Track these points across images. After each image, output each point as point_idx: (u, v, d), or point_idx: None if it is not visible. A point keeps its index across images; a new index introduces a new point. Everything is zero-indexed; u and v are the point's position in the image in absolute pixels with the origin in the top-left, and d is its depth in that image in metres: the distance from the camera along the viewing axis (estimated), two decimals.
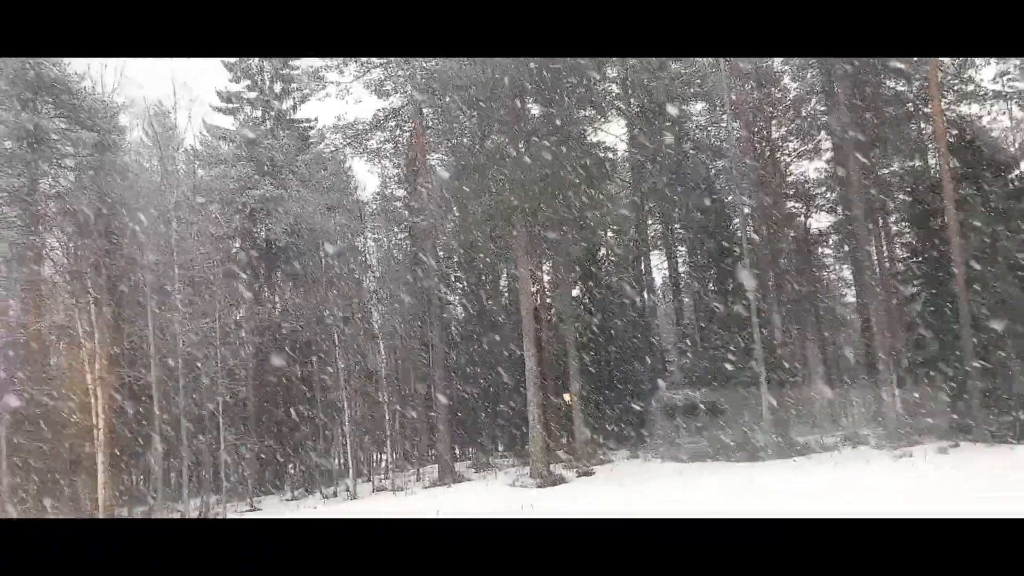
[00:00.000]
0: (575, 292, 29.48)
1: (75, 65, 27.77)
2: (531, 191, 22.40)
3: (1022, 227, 20.54)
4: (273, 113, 36.66)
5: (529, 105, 24.94)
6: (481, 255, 29.00)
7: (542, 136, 23.31)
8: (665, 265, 35.59)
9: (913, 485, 14.87)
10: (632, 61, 26.81)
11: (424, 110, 28.32)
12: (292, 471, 30.81)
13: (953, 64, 26.26)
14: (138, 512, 25.27)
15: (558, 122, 23.52)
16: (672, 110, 29.54)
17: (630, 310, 29.78)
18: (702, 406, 23.51)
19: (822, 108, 29.72)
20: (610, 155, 30.87)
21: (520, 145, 23.18)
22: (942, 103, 23.77)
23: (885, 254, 31.29)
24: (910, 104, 27.22)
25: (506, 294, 34.54)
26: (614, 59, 25.61)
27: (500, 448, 32.88)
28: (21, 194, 25.93)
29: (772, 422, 22.22)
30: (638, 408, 26.92)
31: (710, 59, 27.36)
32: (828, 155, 30.94)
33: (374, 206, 35.85)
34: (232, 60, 35.60)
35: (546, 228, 23.97)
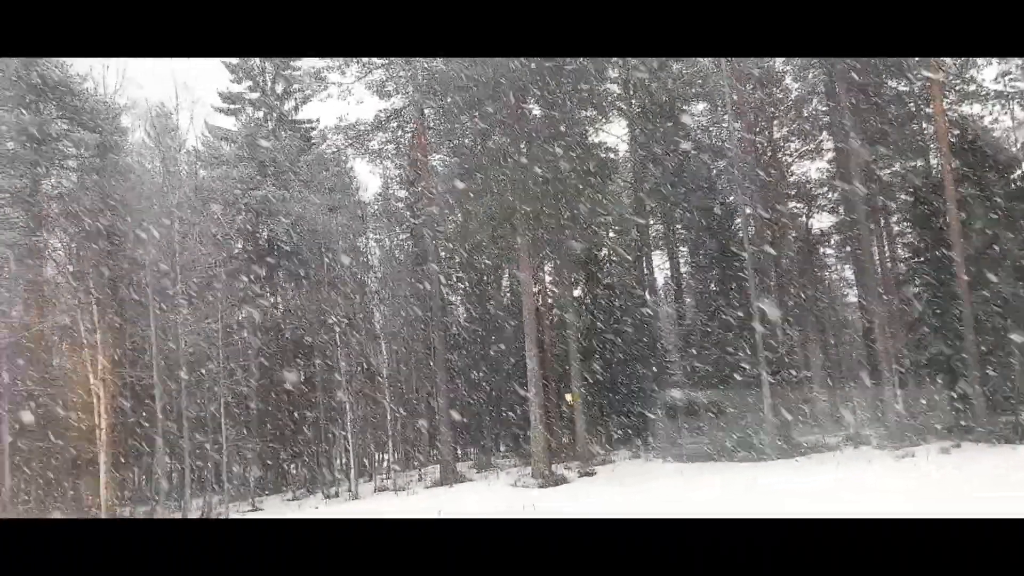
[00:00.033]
0: (577, 293, 29.48)
1: (77, 66, 27.90)
2: (532, 192, 22.41)
3: None
4: (275, 114, 36.71)
5: (530, 106, 24.95)
6: (483, 256, 29.04)
7: (543, 137, 23.33)
8: (667, 265, 35.62)
9: (915, 485, 14.86)
10: (633, 61, 26.81)
11: (426, 111, 28.34)
12: (294, 471, 30.82)
13: (955, 64, 26.23)
14: (140, 512, 25.29)
15: (560, 125, 23.54)
16: (674, 110, 29.55)
17: (632, 311, 29.76)
18: (704, 406, 23.49)
19: (824, 108, 29.70)
20: (611, 156, 30.89)
21: (522, 146, 23.20)
22: (944, 103, 23.75)
23: (887, 254, 31.26)
24: (912, 104, 27.19)
25: (508, 295, 34.54)
26: (615, 59, 25.60)
27: (502, 448, 32.87)
28: (23, 195, 25.99)
29: (774, 422, 22.20)
30: (640, 408, 26.91)
31: (711, 59, 27.36)
32: (830, 155, 30.93)
33: (376, 207, 35.90)
34: (234, 61, 35.66)
35: (548, 229, 23.99)
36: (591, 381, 27.25)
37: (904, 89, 27.03)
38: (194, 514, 23.92)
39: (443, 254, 30.88)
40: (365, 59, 26.89)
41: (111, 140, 27.64)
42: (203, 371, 24.74)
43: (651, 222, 33.73)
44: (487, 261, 31.07)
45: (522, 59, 21.44)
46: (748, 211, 25.57)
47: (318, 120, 37.01)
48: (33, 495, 23.58)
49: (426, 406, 32.78)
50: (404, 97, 28.59)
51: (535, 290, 27.64)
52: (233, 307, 26.45)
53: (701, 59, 28.37)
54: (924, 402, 22.16)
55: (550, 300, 31.27)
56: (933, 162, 27.11)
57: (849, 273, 34.48)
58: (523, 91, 23.57)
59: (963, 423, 20.30)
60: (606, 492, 18.87)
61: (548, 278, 31.83)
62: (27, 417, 22.09)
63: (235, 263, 28.02)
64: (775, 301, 23.23)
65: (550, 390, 27.51)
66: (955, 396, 20.74)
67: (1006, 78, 26.20)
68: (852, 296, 34.67)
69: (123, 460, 25.56)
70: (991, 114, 27.17)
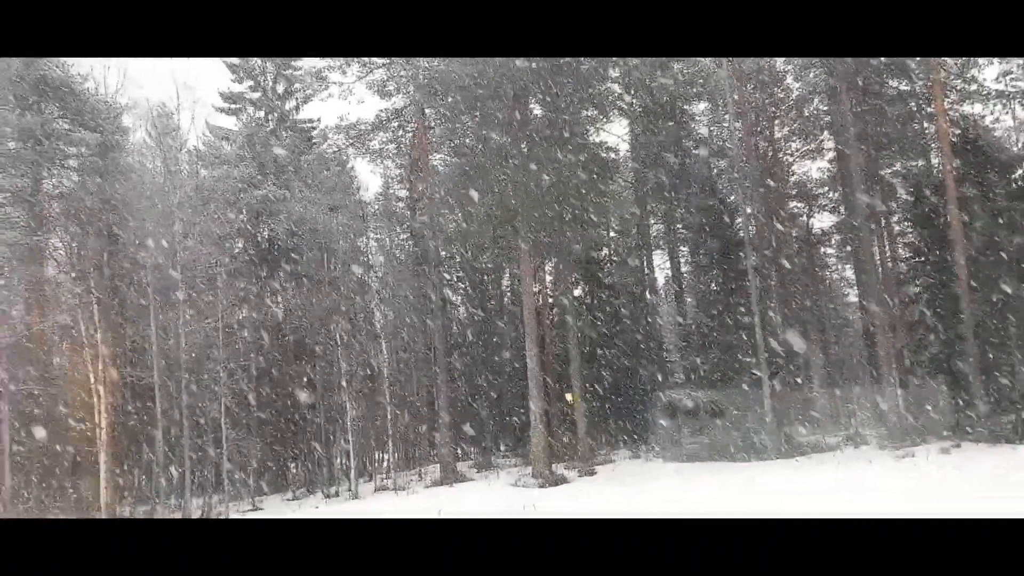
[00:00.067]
0: (577, 292, 29.48)
1: (78, 66, 27.89)
2: (533, 193, 22.41)
3: None
4: (276, 114, 36.70)
5: (532, 106, 24.95)
6: (484, 256, 29.03)
7: (544, 137, 23.33)
8: (667, 265, 35.60)
9: (915, 485, 14.88)
10: (634, 61, 26.80)
11: (427, 111, 28.33)
12: (294, 470, 30.82)
13: (956, 64, 26.22)
14: (140, 512, 25.29)
15: (562, 126, 23.54)
16: (675, 110, 29.55)
17: (632, 310, 29.76)
18: (704, 406, 23.49)
19: (824, 108, 29.69)
20: (612, 155, 30.88)
21: (522, 146, 23.20)
22: (945, 103, 23.74)
23: (888, 254, 31.24)
24: (913, 104, 27.18)
25: (508, 294, 34.54)
26: (616, 59, 25.60)
27: (502, 448, 32.86)
28: (24, 194, 25.98)
29: (774, 422, 22.20)
30: (640, 408, 26.91)
31: (712, 59, 27.35)
32: (831, 155, 30.92)
33: (376, 206, 35.90)
34: (235, 60, 35.63)
35: (548, 229, 23.98)
36: (591, 381, 27.25)
37: (905, 89, 27.03)
38: (194, 514, 23.91)
39: (444, 254, 30.88)
40: (366, 59, 26.88)
41: (112, 140, 27.64)
42: (204, 371, 24.74)
43: (652, 221, 33.72)
44: (488, 261, 31.07)
45: (522, 59, 21.42)
46: (749, 211, 25.58)
47: (319, 120, 37.01)
48: (33, 495, 23.58)
49: (426, 406, 32.77)
50: (405, 97, 28.57)
51: (535, 290, 27.63)
52: (233, 307, 26.45)
53: (702, 59, 28.35)
54: (924, 402, 22.16)
55: (550, 300, 31.26)
56: (934, 162, 27.10)
57: (849, 273, 34.47)
58: (524, 90, 23.57)
59: (963, 423, 20.31)
60: (606, 492, 18.88)
61: (549, 277, 31.82)
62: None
63: (236, 263, 28.01)
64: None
65: (550, 390, 27.50)
66: (955, 396, 20.75)
67: (1007, 78, 26.17)
68: (852, 296, 34.67)
69: (123, 459, 25.55)
70: (992, 114, 27.16)
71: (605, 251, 31.64)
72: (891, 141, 27.04)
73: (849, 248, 31.25)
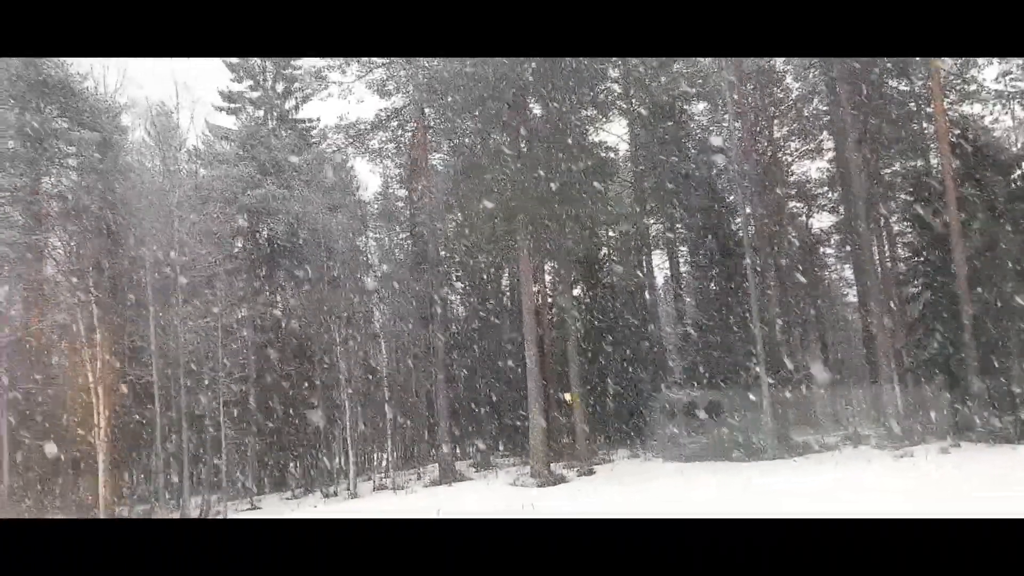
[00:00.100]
0: (576, 292, 29.48)
1: (78, 66, 27.88)
2: (533, 192, 22.39)
3: None
4: (275, 113, 36.70)
5: (531, 105, 24.93)
6: (483, 256, 29.01)
7: (543, 137, 23.31)
8: (666, 264, 35.62)
9: (914, 485, 14.87)
10: (634, 60, 26.80)
11: (426, 110, 28.32)
12: (293, 470, 30.81)
13: (955, 64, 26.23)
14: (139, 512, 25.28)
15: (562, 127, 23.53)
16: (675, 110, 29.53)
17: (631, 310, 29.75)
18: (703, 405, 23.49)
19: (824, 108, 29.70)
20: (611, 155, 30.86)
21: (522, 146, 23.18)
22: (944, 103, 23.75)
23: (887, 254, 31.26)
24: (912, 104, 27.20)
25: (507, 294, 34.54)
26: (615, 59, 25.60)
27: (501, 447, 32.87)
28: (23, 193, 25.96)
29: (773, 422, 22.21)
30: (639, 408, 26.90)
31: (712, 59, 27.34)
32: (830, 155, 30.93)
33: (376, 206, 35.89)
34: (234, 60, 35.63)
35: (548, 229, 23.97)
36: (590, 380, 27.24)
37: (905, 89, 27.04)
38: (193, 513, 23.90)
39: (443, 253, 30.89)
40: (365, 58, 26.87)
41: (111, 139, 27.64)
42: (203, 370, 24.73)
43: (651, 221, 33.72)
44: (487, 260, 31.06)
45: (522, 59, 21.40)
46: (748, 211, 25.58)
47: (319, 119, 37.02)
48: (31, 494, 23.57)
49: (426, 405, 32.78)
50: (405, 96, 28.56)
51: (535, 290, 27.63)
52: (233, 306, 26.44)
53: (702, 59, 28.35)
54: (923, 402, 22.18)
55: (550, 300, 31.26)
56: (933, 162, 27.11)
57: (849, 273, 34.49)
58: (523, 90, 23.55)
59: (962, 423, 20.32)
60: (605, 492, 18.88)
61: (548, 277, 31.82)
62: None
63: (235, 262, 27.99)
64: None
65: (549, 389, 27.50)
66: (954, 396, 20.76)
67: (1007, 78, 26.22)
68: (852, 296, 34.68)
69: (122, 459, 25.54)
70: (991, 114, 27.20)
71: (605, 251, 31.62)
72: (891, 141, 27.05)
73: (848, 248, 31.27)
